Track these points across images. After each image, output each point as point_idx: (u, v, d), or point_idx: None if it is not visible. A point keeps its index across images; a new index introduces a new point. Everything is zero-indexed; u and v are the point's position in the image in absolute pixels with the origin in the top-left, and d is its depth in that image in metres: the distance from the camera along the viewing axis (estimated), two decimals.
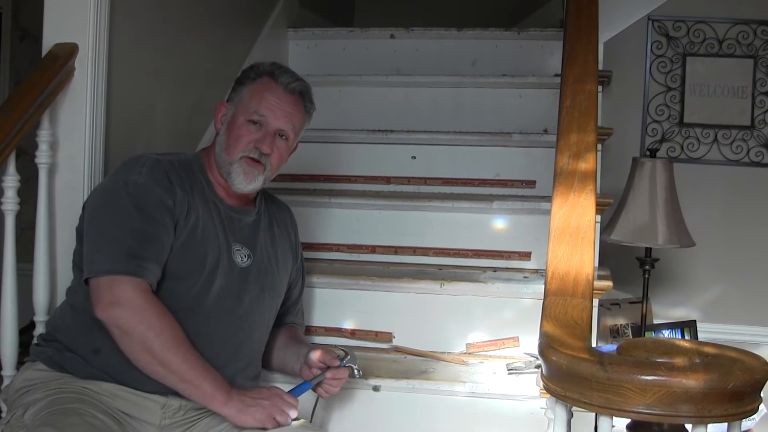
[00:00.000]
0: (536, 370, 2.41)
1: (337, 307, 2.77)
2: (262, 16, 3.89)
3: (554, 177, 2.12)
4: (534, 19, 4.66)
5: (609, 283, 2.52)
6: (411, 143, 3.34)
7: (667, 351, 1.54)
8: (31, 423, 1.92)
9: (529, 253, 2.97)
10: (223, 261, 2.16)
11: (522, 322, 2.65)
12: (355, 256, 3.07)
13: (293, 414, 2.03)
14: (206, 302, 2.11)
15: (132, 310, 1.95)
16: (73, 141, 2.53)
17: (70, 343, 2.08)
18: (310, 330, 2.72)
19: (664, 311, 3.67)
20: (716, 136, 3.76)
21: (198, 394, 1.98)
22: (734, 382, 1.45)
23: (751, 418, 2.65)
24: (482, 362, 2.62)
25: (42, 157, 2.47)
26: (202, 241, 2.12)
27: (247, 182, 2.18)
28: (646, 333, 3.24)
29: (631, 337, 3.27)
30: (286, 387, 2.14)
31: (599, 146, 2.89)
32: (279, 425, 2.00)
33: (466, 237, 3.02)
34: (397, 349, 2.70)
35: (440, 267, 2.96)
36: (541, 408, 2.08)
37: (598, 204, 2.10)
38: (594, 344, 1.93)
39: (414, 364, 2.60)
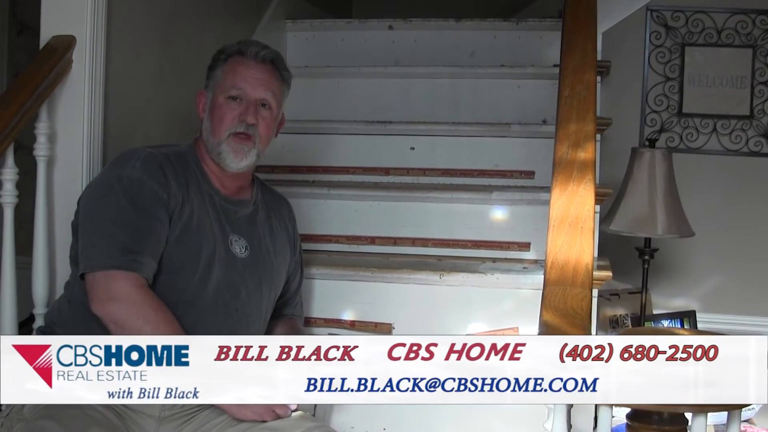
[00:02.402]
0: None
1: (337, 298, 2.77)
2: (260, 8, 3.88)
3: (553, 166, 2.12)
4: (532, 10, 4.64)
5: (608, 273, 2.51)
6: (410, 134, 3.34)
7: None
8: (30, 416, 1.92)
9: (529, 243, 2.96)
10: (220, 253, 2.15)
11: (521, 312, 2.64)
12: (354, 248, 3.07)
13: (293, 406, 2.02)
14: (203, 295, 2.11)
15: (128, 305, 1.95)
16: (71, 133, 2.53)
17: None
18: (309, 321, 2.72)
19: (663, 301, 3.67)
20: (715, 126, 3.75)
21: None
22: None
23: (750, 407, 2.66)
24: None
25: (40, 150, 2.46)
26: (197, 234, 2.12)
27: (238, 159, 2.17)
28: (645, 323, 3.24)
29: (630, 327, 3.27)
30: None
31: (598, 136, 2.88)
32: (278, 417, 1.99)
33: (466, 228, 3.02)
34: None
35: (439, 258, 2.96)
36: None
37: (597, 194, 2.10)
38: (593, 334, 1.93)
39: None
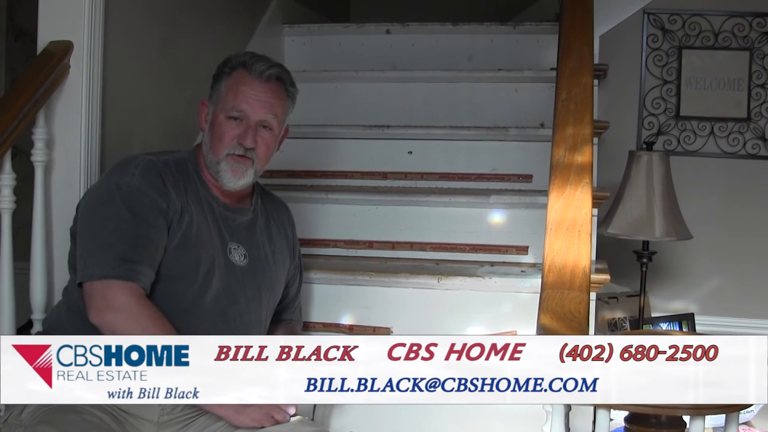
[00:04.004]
0: None
1: (335, 302, 2.77)
2: (257, 13, 3.88)
3: (550, 170, 2.12)
4: (529, 14, 4.65)
5: (606, 277, 2.51)
6: (407, 138, 3.34)
7: None
8: (29, 421, 1.92)
9: (527, 247, 2.96)
10: (219, 261, 2.15)
11: (519, 316, 2.64)
12: (352, 252, 3.07)
13: (292, 411, 2.02)
14: (202, 303, 2.10)
15: (125, 314, 1.95)
16: (68, 139, 2.54)
17: None
18: (308, 326, 2.72)
19: (661, 304, 3.67)
20: (712, 128, 3.76)
21: None
22: None
23: (749, 410, 2.66)
24: None
25: (38, 155, 2.47)
26: (196, 243, 2.11)
27: (236, 179, 2.17)
28: (643, 326, 3.24)
29: (629, 330, 3.27)
30: None
31: (595, 140, 2.88)
32: (277, 423, 1.99)
33: (464, 231, 3.02)
34: None
35: (438, 262, 2.96)
36: None
37: (594, 197, 2.10)
38: None
39: None
